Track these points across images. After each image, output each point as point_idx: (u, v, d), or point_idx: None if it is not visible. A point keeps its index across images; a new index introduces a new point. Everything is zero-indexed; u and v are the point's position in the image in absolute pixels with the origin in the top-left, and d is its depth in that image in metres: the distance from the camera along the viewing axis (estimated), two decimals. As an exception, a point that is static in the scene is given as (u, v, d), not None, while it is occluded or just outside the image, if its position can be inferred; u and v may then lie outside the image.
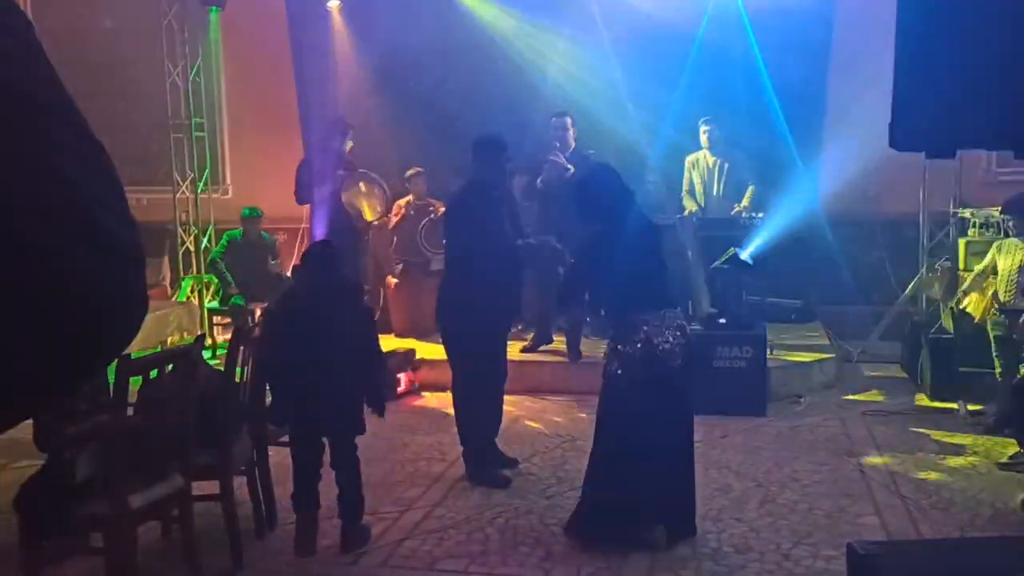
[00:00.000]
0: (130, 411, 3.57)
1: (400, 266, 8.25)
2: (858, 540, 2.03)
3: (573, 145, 6.98)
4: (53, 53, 0.70)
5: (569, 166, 6.81)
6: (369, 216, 7.79)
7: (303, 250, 5.41)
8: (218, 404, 3.91)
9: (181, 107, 8.80)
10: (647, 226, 4.38)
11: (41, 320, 0.52)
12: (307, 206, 7.82)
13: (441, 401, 6.77)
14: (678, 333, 4.11)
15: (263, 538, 4.31)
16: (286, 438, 4.76)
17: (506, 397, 6.65)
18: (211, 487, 4.00)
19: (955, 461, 5.30)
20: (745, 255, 6.44)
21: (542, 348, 7.33)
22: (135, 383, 3.42)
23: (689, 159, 7.80)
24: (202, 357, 3.96)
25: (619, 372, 4.11)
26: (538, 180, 6.96)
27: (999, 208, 6.40)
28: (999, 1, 1.78)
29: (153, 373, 3.55)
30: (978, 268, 6.01)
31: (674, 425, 4.14)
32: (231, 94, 9.58)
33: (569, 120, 7.00)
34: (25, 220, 0.52)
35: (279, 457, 4.86)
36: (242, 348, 4.06)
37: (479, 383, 5.07)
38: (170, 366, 3.56)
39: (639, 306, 4.13)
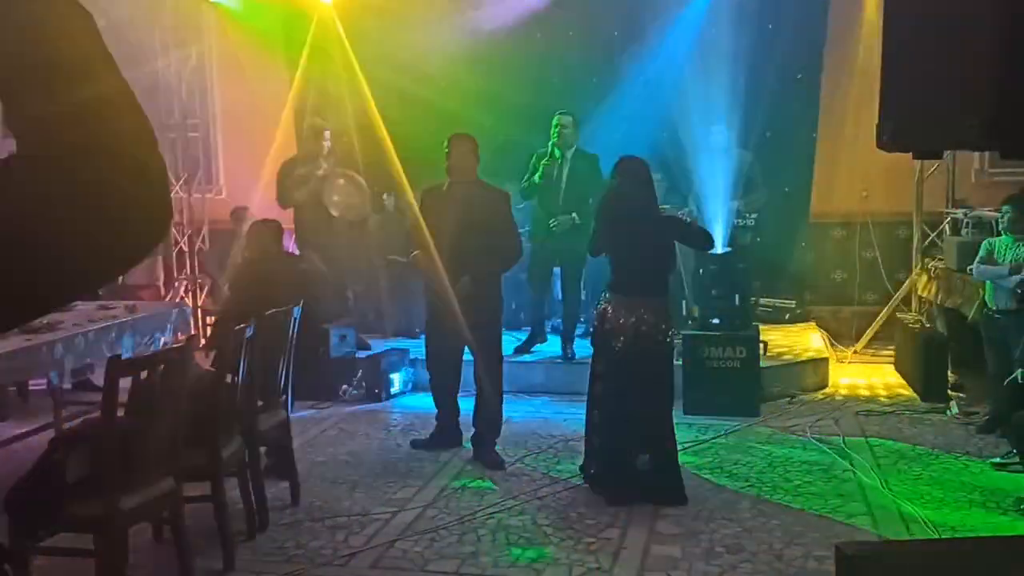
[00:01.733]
0: (121, 412, 3.56)
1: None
2: (846, 542, 2.02)
3: (575, 144, 6.99)
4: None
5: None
6: (335, 213, 7.67)
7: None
8: (209, 405, 3.90)
9: (174, 106, 8.78)
10: (646, 218, 4.81)
11: (117, 224, 0.81)
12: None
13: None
14: (632, 319, 4.64)
15: (255, 539, 4.30)
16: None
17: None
18: (204, 488, 3.99)
19: (948, 461, 5.31)
20: (718, 248, 6.43)
21: (536, 348, 7.33)
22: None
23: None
24: (193, 358, 3.95)
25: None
26: (535, 176, 6.94)
27: (994, 207, 6.40)
28: (986, 1, 1.78)
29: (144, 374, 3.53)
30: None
31: (627, 394, 4.69)
32: (225, 93, 9.55)
33: (571, 119, 7.00)
34: (104, 164, 0.80)
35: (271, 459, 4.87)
36: (232, 347, 4.05)
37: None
38: (161, 367, 3.55)
39: (610, 287, 4.83)
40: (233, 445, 4.16)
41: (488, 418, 5.43)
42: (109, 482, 3.37)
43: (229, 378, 4.09)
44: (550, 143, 6.94)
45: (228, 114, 9.56)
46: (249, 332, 4.21)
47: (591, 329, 5.09)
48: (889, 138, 2.03)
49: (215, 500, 3.96)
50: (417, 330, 8.01)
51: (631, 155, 4.99)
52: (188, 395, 3.76)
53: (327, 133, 7.52)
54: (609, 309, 4.73)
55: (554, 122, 6.93)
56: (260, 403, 4.58)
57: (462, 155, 5.39)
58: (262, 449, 4.59)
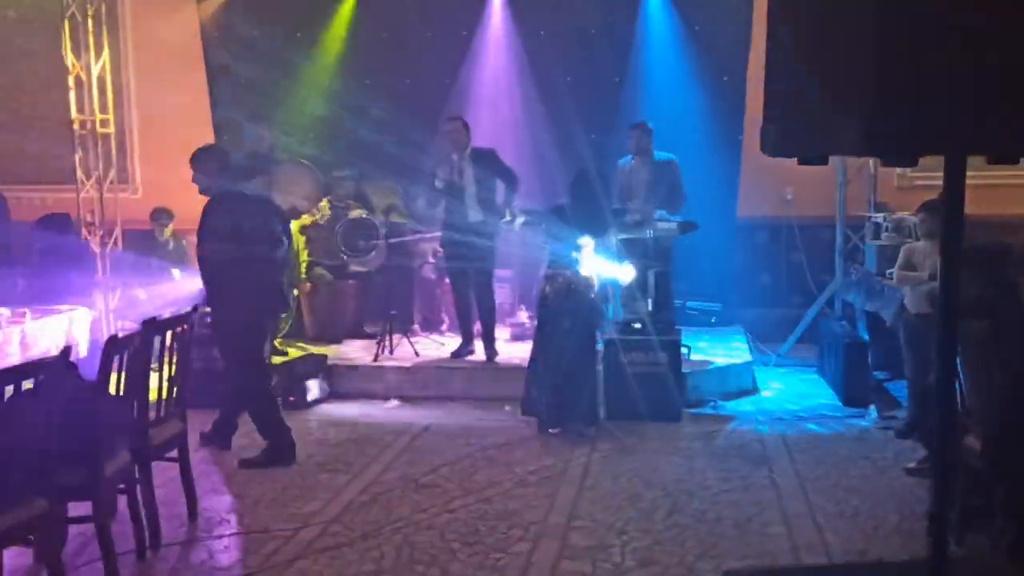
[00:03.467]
0: None
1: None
2: (735, 567, 1.92)
3: (469, 146, 6.95)
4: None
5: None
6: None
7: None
8: (88, 418, 3.65)
9: (86, 102, 8.41)
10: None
11: None
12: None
13: (354, 410, 6.57)
14: (560, 280, 5.93)
15: (144, 559, 4.06)
16: (173, 453, 4.54)
17: (416, 406, 6.57)
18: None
19: (865, 467, 5.28)
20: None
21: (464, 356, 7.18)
22: None
23: (620, 165, 7.66)
24: (71, 368, 3.70)
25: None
26: (435, 182, 6.93)
27: (915, 212, 6.41)
28: (867, 9, 1.69)
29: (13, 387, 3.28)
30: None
31: (560, 343, 5.87)
32: (141, 89, 9.21)
33: (459, 122, 6.98)
34: None
35: (173, 472, 4.62)
36: (117, 357, 3.81)
37: None
38: (30, 379, 3.31)
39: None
40: (119, 461, 3.92)
41: None
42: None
43: (113, 388, 3.86)
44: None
45: (145, 111, 9.23)
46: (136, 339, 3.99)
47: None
48: (772, 143, 1.93)
49: (96, 520, 3.72)
50: (341, 335, 7.85)
51: (583, 168, 6.15)
52: (66, 409, 3.53)
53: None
54: (550, 273, 6.01)
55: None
56: (156, 414, 4.35)
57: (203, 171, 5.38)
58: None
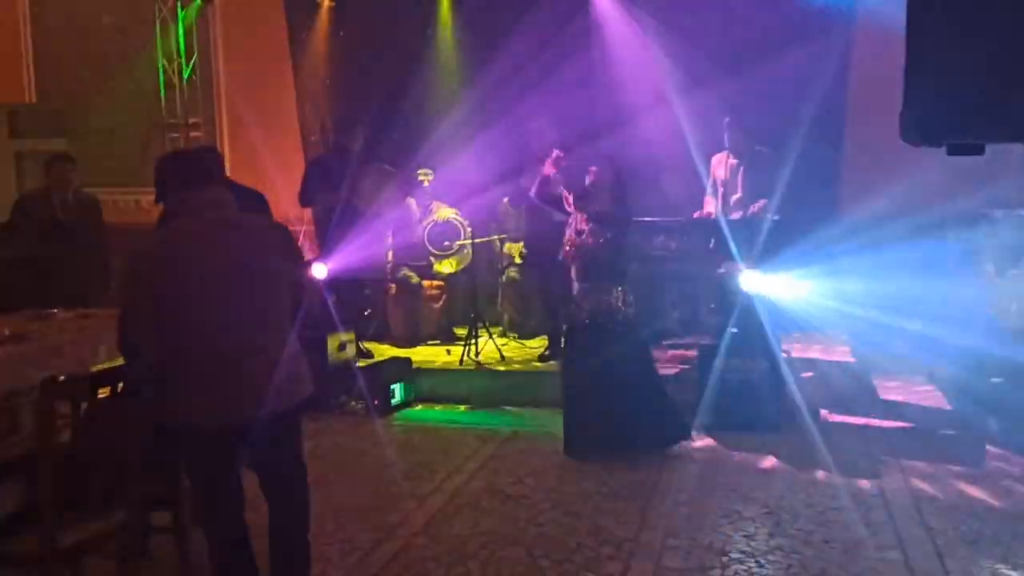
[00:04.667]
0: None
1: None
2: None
3: None
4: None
5: None
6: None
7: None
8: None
9: (177, 105, 8.53)
10: None
11: None
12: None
13: (438, 414, 6.44)
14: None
15: (226, 570, 3.97)
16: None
17: (502, 411, 6.39)
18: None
19: (987, 485, 4.86)
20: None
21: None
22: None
23: (713, 159, 7.34)
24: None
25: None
26: (521, 181, 6.77)
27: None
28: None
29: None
30: None
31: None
32: (230, 91, 9.31)
33: (545, 121, 6.91)
34: None
35: (247, 482, 4.53)
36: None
37: None
38: (110, 387, 3.24)
39: None
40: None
41: None
42: (47, 516, 3.06)
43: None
44: None
45: (234, 112, 9.32)
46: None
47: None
48: (915, 130, 1.65)
49: (176, 531, 3.65)
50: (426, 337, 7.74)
51: None
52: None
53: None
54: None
55: None
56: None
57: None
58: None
